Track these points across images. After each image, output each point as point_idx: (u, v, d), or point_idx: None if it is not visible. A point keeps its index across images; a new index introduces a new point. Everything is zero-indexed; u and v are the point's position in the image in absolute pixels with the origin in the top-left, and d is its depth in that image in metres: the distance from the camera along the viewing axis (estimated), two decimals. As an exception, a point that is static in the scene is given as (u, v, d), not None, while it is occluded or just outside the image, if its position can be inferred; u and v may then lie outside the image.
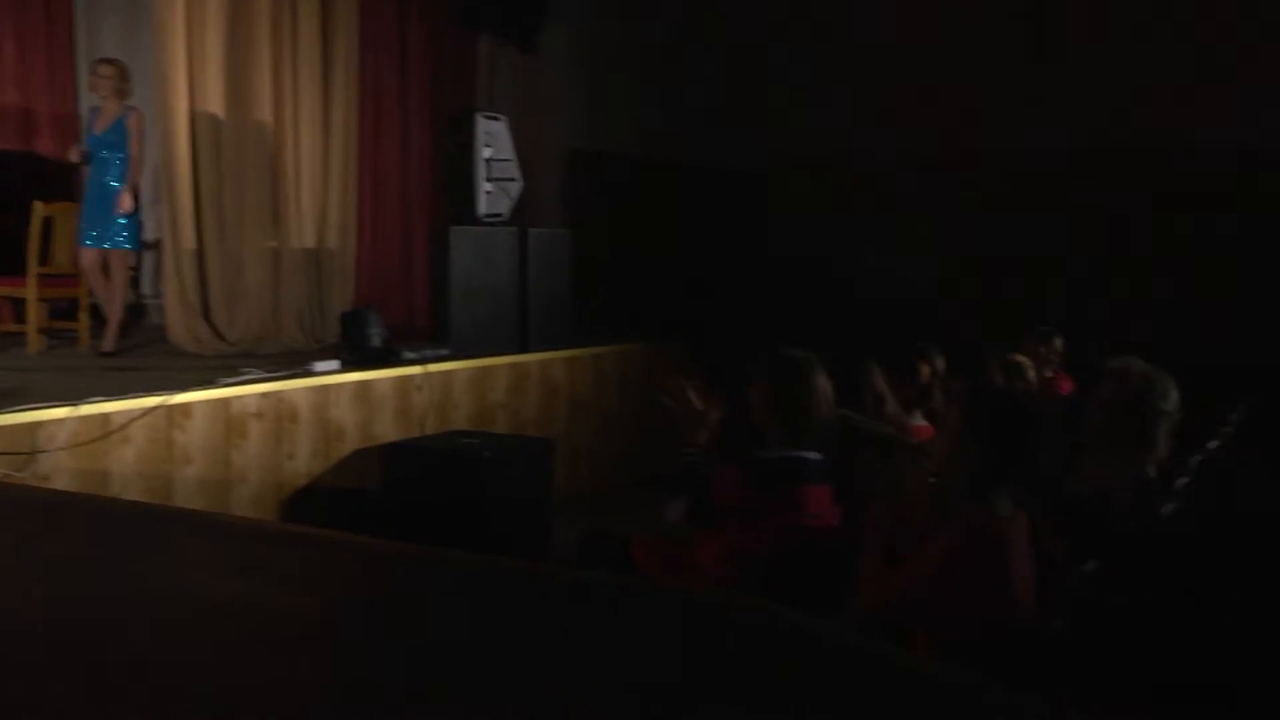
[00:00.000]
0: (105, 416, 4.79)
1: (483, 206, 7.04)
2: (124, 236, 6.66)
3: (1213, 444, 5.14)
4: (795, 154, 10.00)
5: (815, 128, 9.90)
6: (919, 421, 4.65)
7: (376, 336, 6.50)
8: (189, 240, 6.92)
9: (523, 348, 7.06)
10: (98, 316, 6.87)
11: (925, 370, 4.85)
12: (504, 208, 7.19)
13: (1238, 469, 5.55)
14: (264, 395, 5.48)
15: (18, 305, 6.99)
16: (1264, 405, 7.13)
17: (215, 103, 7.04)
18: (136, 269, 7.87)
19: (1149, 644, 3.32)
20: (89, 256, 6.65)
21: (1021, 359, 5.65)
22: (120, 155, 6.62)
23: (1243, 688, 2.88)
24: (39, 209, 6.72)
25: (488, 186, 7.06)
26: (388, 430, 6.06)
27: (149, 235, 7.71)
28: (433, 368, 6.38)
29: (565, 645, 2.22)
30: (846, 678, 2.07)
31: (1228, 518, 4.91)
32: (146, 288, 8.42)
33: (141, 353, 6.78)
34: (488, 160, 7.06)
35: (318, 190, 7.71)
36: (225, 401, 5.30)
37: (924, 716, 1.91)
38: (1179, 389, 3.60)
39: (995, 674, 2.45)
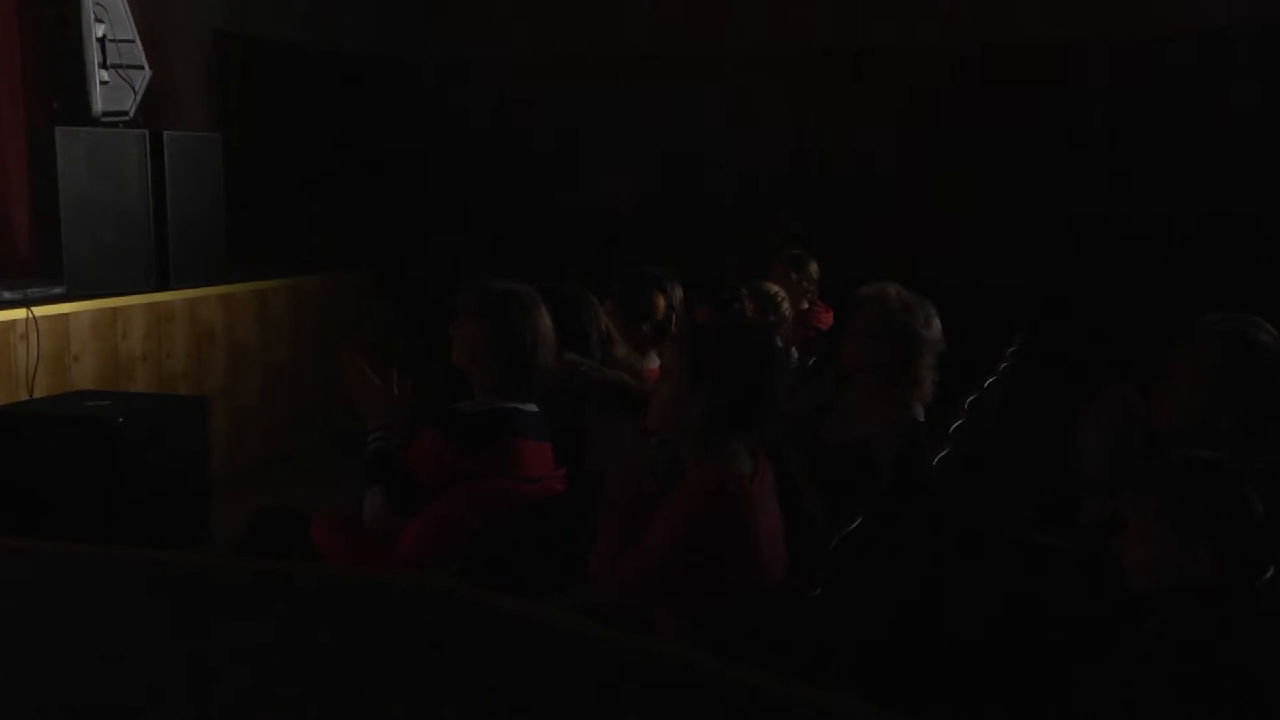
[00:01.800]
0: None
1: (99, 102, 6.59)
2: None
3: (987, 381, 5.56)
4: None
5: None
6: (655, 365, 4.69)
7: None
8: None
9: (162, 283, 6.74)
10: None
11: (660, 303, 4.85)
12: (128, 104, 6.78)
13: (1012, 408, 6.03)
14: None
15: None
16: (1042, 335, 7.78)
17: None
18: None
19: (914, 607, 3.55)
20: None
21: (774, 288, 5.84)
22: None
23: (1005, 648, 3.12)
24: None
25: (104, 75, 6.60)
26: (-18, 394, 5.68)
27: None
28: (41, 310, 5.98)
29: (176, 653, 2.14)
30: (576, 673, 2.10)
31: (1001, 463, 5.31)
32: None
33: None
34: (102, 41, 6.60)
35: None
36: None
37: (673, 710, 1.96)
38: (940, 317, 3.83)
39: (746, 649, 2.56)
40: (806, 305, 6.67)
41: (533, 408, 3.48)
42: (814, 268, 6.77)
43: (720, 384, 2.84)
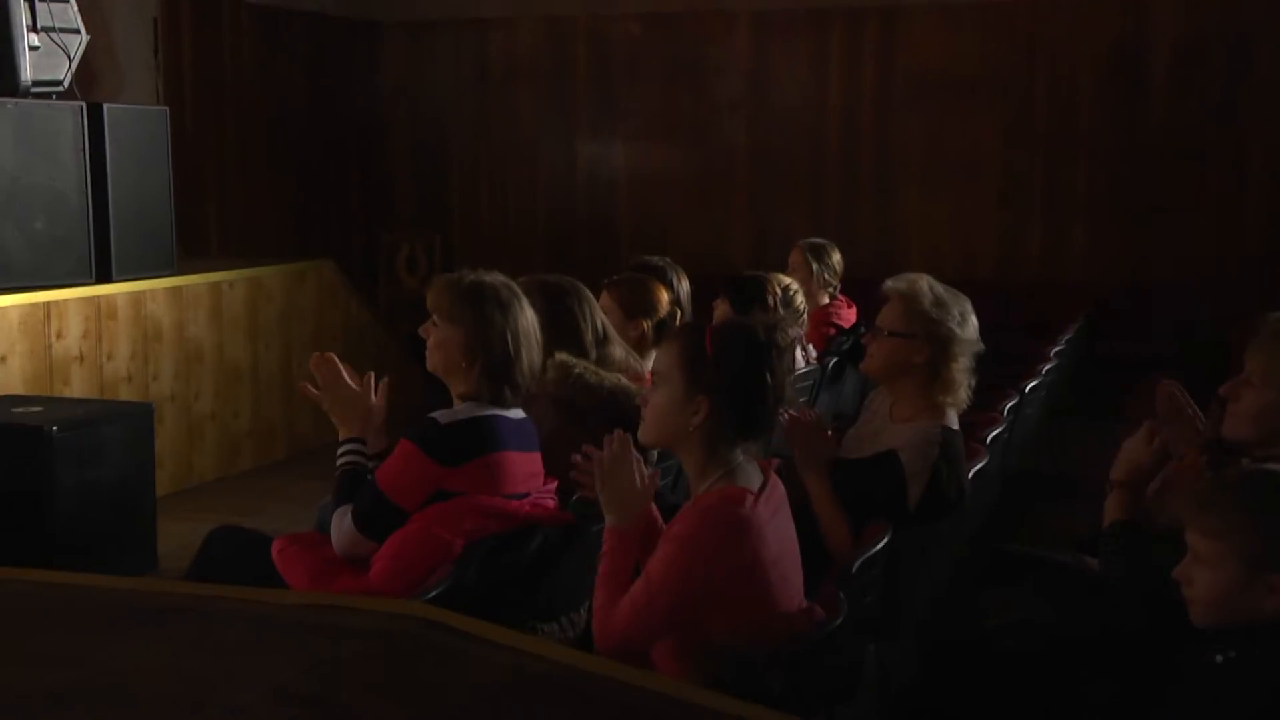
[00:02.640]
0: None
1: (28, 70, 6.57)
2: None
3: (1029, 384, 5.55)
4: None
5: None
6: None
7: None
8: None
9: (102, 275, 6.72)
10: None
11: (664, 297, 4.83)
12: (62, 72, 6.76)
13: (1058, 415, 6.02)
14: None
15: None
16: (1093, 332, 7.78)
17: None
18: None
19: (947, 638, 3.55)
20: None
21: (787, 280, 5.83)
22: None
23: None
24: None
25: (34, 40, 6.58)
26: (-102, 401, 5.67)
27: None
28: (-36, 307, 5.99)
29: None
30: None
31: (1046, 476, 5.30)
32: None
33: None
34: (31, 1, 6.59)
35: None
36: None
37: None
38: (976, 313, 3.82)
39: (758, 687, 2.55)
40: (827, 300, 6.65)
41: (518, 414, 3.47)
42: (837, 257, 6.73)
43: (719, 389, 2.83)
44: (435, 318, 3.47)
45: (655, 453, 3.92)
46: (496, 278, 3.52)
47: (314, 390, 3.60)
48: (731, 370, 2.83)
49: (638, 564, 2.87)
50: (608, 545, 2.90)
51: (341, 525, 3.38)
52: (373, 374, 3.61)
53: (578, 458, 3.30)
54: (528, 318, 3.49)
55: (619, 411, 3.76)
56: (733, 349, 2.86)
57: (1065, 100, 9.52)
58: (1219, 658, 2.37)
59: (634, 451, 2.96)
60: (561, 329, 4.04)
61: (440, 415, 3.38)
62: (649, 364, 4.66)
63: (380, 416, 3.56)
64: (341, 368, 3.58)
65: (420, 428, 3.36)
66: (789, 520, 2.92)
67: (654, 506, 3.04)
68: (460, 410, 3.41)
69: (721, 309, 5.32)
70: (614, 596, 2.80)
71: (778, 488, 2.91)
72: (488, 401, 3.41)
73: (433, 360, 3.48)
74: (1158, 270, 9.31)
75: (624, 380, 3.96)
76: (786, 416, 3.67)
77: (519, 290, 3.53)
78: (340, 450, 3.51)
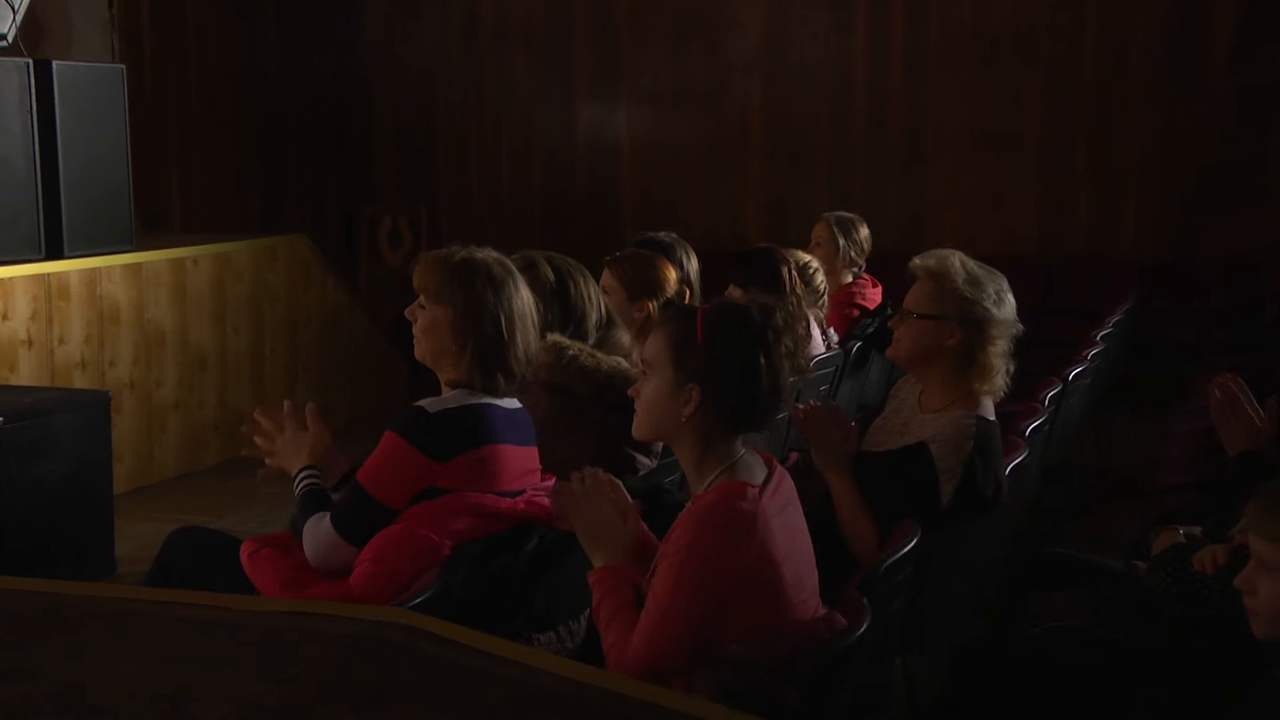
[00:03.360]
0: None
1: (-31, 26, 6.59)
2: None
3: (1072, 371, 5.55)
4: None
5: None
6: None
7: None
8: None
9: (53, 251, 6.73)
10: None
11: (670, 276, 4.83)
12: (5, 26, 6.76)
13: (1103, 405, 6.02)
14: None
15: None
16: (1143, 314, 7.79)
17: None
18: None
19: (980, 646, 3.55)
20: None
21: (805, 257, 5.82)
22: None
23: None
24: None
25: (-25, -9, 6.60)
26: None
27: None
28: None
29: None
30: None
31: (1090, 472, 5.29)
32: None
33: None
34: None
35: None
36: None
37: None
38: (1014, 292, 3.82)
39: (769, 701, 2.55)
40: (850, 278, 6.64)
41: (512, 403, 3.47)
42: (865, 233, 6.72)
43: (709, 375, 2.84)
44: (422, 298, 3.47)
45: (661, 445, 3.94)
46: (489, 254, 3.52)
47: (258, 443, 3.63)
48: (721, 354, 2.84)
49: (639, 587, 2.87)
50: (599, 591, 2.89)
51: (318, 530, 3.38)
52: (304, 406, 3.64)
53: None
54: (523, 298, 3.49)
55: (617, 398, 3.77)
56: (723, 331, 2.86)
57: (1116, 58, 9.48)
58: None
59: (611, 484, 2.98)
60: (566, 308, 4.05)
61: (428, 404, 3.38)
62: (653, 350, 4.68)
63: (323, 441, 3.57)
64: (266, 418, 3.61)
65: (406, 417, 3.36)
66: (799, 516, 2.93)
67: (642, 523, 3.04)
68: (450, 398, 3.41)
69: (736, 291, 5.30)
70: (625, 633, 2.80)
71: (784, 480, 2.91)
72: (480, 389, 3.41)
73: (421, 347, 3.47)
74: (1215, 247, 9.28)
75: (623, 364, 3.96)
76: (804, 409, 3.67)
77: (513, 268, 3.53)
78: (297, 478, 3.52)
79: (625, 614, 2.82)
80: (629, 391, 3.03)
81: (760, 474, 2.86)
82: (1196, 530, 3.36)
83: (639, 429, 2.99)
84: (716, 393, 2.83)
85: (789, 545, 2.82)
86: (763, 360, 2.85)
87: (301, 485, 3.50)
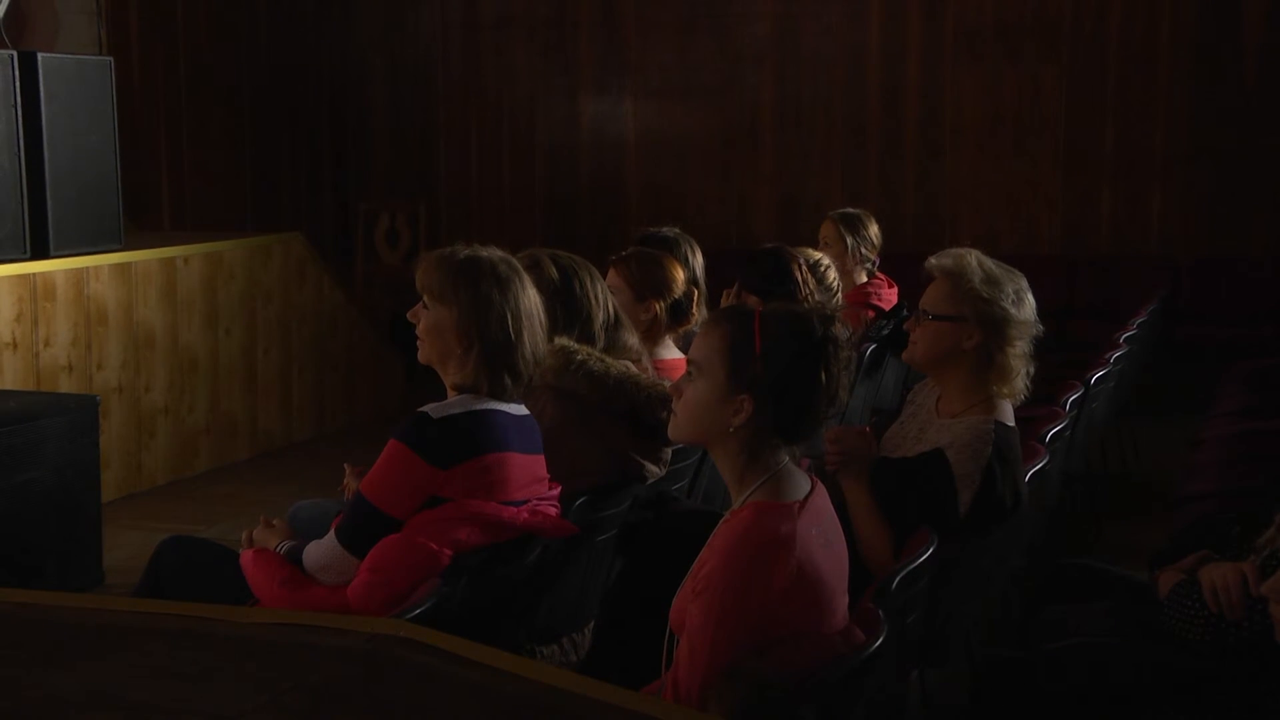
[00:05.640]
0: None
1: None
2: None
3: (1094, 375, 5.54)
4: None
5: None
6: (670, 355, 4.67)
7: None
8: None
9: (39, 250, 6.74)
10: None
11: (678, 275, 4.83)
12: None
13: (1128, 410, 6.01)
14: None
15: None
16: (1167, 315, 7.78)
17: None
18: None
19: (1000, 660, 3.56)
20: None
21: (817, 255, 5.82)
22: None
23: None
24: None
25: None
26: None
27: None
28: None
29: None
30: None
31: (1113, 480, 5.28)
32: None
33: None
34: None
35: None
36: None
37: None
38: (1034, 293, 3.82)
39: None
40: (864, 278, 6.65)
41: (519, 409, 3.46)
42: (874, 229, 6.72)
43: (771, 385, 2.82)
44: (425, 299, 3.46)
45: (670, 450, 3.93)
46: (494, 252, 3.51)
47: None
48: (781, 368, 2.81)
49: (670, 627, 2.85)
50: None
51: (321, 545, 3.38)
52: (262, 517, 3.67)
53: None
54: (530, 297, 3.48)
55: (627, 404, 3.76)
56: (784, 344, 2.82)
57: (1141, 49, 9.47)
58: None
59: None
60: (573, 308, 4.05)
61: (432, 409, 3.37)
62: (662, 351, 4.67)
63: (283, 531, 3.61)
64: (248, 537, 3.65)
65: (409, 425, 3.35)
66: (837, 529, 2.91)
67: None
68: (454, 403, 3.40)
69: (746, 295, 5.28)
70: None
71: (822, 494, 2.89)
72: (486, 392, 3.41)
73: (424, 350, 3.47)
74: (1245, 244, 9.27)
75: (633, 368, 3.96)
76: (832, 435, 3.65)
77: (519, 266, 3.53)
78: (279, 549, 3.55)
79: None
80: (668, 389, 3.00)
81: (802, 488, 2.83)
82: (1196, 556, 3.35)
83: (678, 431, 2.95)
84: (770, 405, 2.80)
85: (827, 562, 2.81)
86: (823, 375, 2.82)
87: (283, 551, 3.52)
